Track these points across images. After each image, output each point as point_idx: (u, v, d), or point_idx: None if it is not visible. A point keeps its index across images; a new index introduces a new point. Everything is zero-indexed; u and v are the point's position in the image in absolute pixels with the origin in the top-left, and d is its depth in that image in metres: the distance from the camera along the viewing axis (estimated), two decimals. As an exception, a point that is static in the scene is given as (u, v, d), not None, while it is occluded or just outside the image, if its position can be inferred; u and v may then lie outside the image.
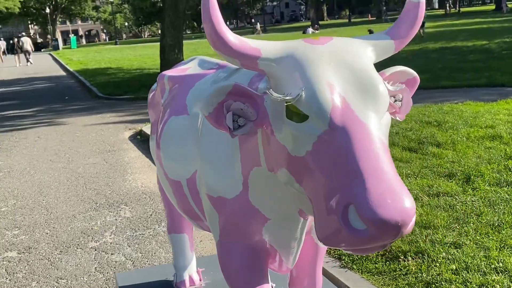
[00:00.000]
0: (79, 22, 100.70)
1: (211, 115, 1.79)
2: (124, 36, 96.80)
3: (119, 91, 17.54)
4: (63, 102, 17.00)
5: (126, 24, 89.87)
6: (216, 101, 1.78)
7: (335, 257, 4.25)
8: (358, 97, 1.67)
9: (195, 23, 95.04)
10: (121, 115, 13.59)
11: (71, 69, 28.38)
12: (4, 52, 43.86)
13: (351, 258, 4.14)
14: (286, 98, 1.67)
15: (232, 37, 1.73)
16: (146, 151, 9.33)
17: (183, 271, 3.68)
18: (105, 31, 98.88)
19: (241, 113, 1.80)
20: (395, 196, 1.51)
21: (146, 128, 10.50)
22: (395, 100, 1.94)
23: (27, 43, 38.39)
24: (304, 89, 1.66)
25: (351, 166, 1.56)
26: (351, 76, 1.70)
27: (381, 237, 1.52)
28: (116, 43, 61.93)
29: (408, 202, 1.52)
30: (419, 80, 2.01)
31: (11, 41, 48.94)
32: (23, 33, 50.07)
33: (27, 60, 37.27)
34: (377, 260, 4.07)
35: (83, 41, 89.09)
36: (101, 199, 6.77)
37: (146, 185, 7.29)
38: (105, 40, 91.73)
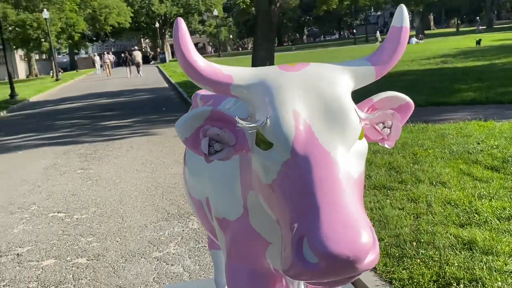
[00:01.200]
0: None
1: (188, 140, 1.79)
2: (229, 48, 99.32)
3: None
4: (160, 113, 17.67)
5: (231, 36, 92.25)
6: (194, 126, 1.78)
7: (386, 281, 4.04)
8: (324, 126, 1.61)
9: (297, 34, 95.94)
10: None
11: (173, 81, 29.52)
12: (112, 66, 46.58)
13: (401, 283, 3.92)
14: (251, 125, 1.63)
15: (203, 65, 1.73)
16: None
17: (222, 287, 3.69)
18: (211, 44, 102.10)
19: (218, 138, 1.78)
20: (348, 230, 1.43)
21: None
22: (384, 127, 1.85)
23: (138, 56, 41.12)
24: (269, 116, 1.62)
25: (309, 197, 1.51)
26: (321, 104, 1.64)
27: (333, 271, 1.44)
28: (219, 56, 63.79)
29: (365, 238, 1.43)
30: (413, 105, 1.90)
31: (122, 55, 51.77)
32: (136, 47, 53.11)
33: (138, 72, 40.41)
34: (428, 286, 3.82)
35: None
36: (174, 210, 6.93)
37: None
38: (211, 52, 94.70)
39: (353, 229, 1.43)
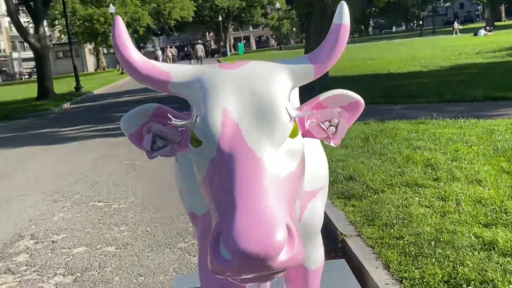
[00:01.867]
0: (251, 28, 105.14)
1: (132, 136, 1.83)
2: (292, 41, 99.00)
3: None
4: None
5: (294, 29, 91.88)
6: (139, 123, 1.82)
7: (397, 279, 3.97)
8: (253, 124, 1.61)
9: (362, 26, 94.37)
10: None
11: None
12: (174, 59, 47.41)
13: (411, 283, 3.84)
14: (181, 122, 1.65)
15: (141, 62, 1.75)
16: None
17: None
18: (274, 36, 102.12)
19: (162, 135, 1.81)
20: (261, 228, 1.42)
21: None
22: (330, 125, 1.82)
23: (200, 49, 41.75)
24: (198, 114, 1.63)
25: (228, 195, 1.52)
26: (252, 102, 1.64)
27: (245, 268, 1.44)
28: (280, 49, 63.75)
29: (277, 236, 1.42)
30: (362, 104, 1.86)
31: (185, 48, 52.73)
32: (198, 41, 53.99)
33: None
34: (438, 286, 3.72)
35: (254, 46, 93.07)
36: (207, 202, 7.03)
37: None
38: (274, 45, 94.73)
39: (266, 227, 1.43)
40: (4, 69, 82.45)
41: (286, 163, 1.63)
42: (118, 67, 52.10)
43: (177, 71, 1.77)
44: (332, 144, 1.84)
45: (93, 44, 59.77)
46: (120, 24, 1.75)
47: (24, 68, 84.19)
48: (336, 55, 1.77)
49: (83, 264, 5.29)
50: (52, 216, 7.01)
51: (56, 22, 56.62)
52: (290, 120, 1.64)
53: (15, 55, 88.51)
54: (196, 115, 1.64)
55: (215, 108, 1.63)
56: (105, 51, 68.39)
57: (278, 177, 1.57)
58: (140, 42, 67.70)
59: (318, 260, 2.47)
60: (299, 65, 1.77)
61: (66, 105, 23.66)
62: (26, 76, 73.59)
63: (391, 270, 4.12)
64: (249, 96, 1.64)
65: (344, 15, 1.78)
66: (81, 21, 52.65)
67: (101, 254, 5.52)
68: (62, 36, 64.45)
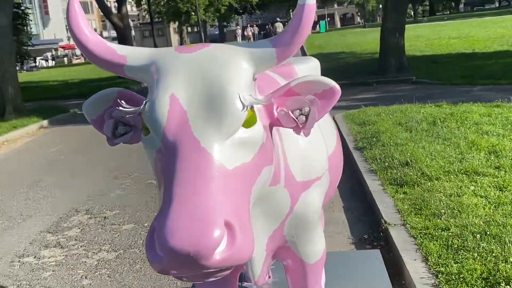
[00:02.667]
0: (335, 6, 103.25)
1: (94, 121, 1.80)
2: (378, 18, 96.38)
3: (336, 77, 17.66)
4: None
5: (380, 6, 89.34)
6: (101, 108, 1.79)
7: (433, 273, 3.78)
8: (202, 112, 1.52)
9: (452, 3, 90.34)
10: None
11: (307, 54, 29.46)
12: (254, 38, 47.41)
13: (446, 278, 3.64)
14: (129, 109, 1.60)
15: (96, 45, 1.70)
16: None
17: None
18: (359, 14, 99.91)
19: (124, 121, 1.77)
20: (194, 225, 1.35)
21: (339, 117, 10.48)
22: (301, 114, 1.70)
23: (279, 27, 41.57)
24: (147, 100, 1.57)
25: (168, 188, 1.46)
26: (204, 89, 1.55)
27: (177, 266, 1.37)
28: (364, 27, 62.23)
29: (211, 234, 1.34)
30: (338, 91, 1.73)
31: (266, 27, 52.60)
32: (278, 19, 53.63)
33: None
34: (475, 283, 3.50)
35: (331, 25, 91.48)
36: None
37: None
38: (359, 23, 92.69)
39: (199, 224, 1.35)
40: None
41: (237, 154, 1.54)
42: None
43: (133, 54, 1.71)
44: (301, 134, 1.73)
45: (176, 23, 60.90)
46: (75, 6, 1.70)
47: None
48: (299, 38, 1.64)
49: (128, 241, 5.43)
50: (110, 192, 7.24)
51: (142, 2, 58.12)
52: (244, 108, 1.54)
53: (105, 33, 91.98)
54: (145, 101, 1.58)
55: (163, 94, 1.55)
56: (189, 30, 69.52)
57: (224, 170, 1.48)
58: (222, 20, 68.35)
59: (317, 253, 2.36)
60: (261, 49, 1.66)
61: (143, 85, 24.30)
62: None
63: (429, 263, 3.93)
64: (202, 82, 1.56)
65: None
66: (165, 1, 53.74)
67: (146, 232, 5.62)
68: (147, 16, 66.15)
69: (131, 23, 40.25)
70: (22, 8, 33.91)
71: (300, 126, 1.71)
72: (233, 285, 2.35)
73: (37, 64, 59.95)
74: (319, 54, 27.47)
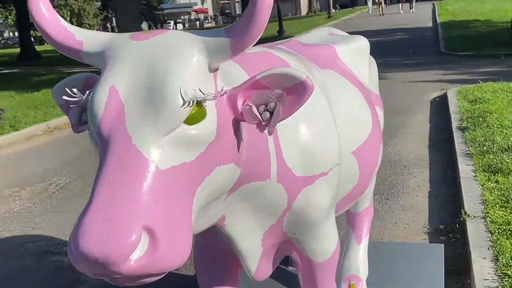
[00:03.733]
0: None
1: (63, 107, 1.77)
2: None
3: (462, 47, 16.62)
4: (404, 55, 17.02)
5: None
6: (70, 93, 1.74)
7: (499, 275, 3.45)
8: (139, 107, 1.43)
9: None
10: (447, 73, 12.93)
11: (438, 20, 27.92)
12: (386, 2, 45.71)
13: (511, 282, 3.31)
14: (72, 99, 1.55)
15: (54, 30, 1.63)
16: (435, 114, 8.87)
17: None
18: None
19: None
20: (104, 229, 1.27)
21: (453, 92, 9.86)
22: (265, 110, 1.55)
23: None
24: (90, 91, 1.51)
25: (94, 187, 1.37)
26: (147, 80, 1.45)
27: (88, 268, 1.31)
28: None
29: (123, 241, 1.26)
30: (309, 86, 1.54)
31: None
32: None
33: (410, 8, 41.12)
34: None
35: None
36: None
37: (398, 152, 7.03)
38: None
39: (112, 229, 1.27)
40: (227, 11, 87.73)
41: (176, 153, 1.42)
42: (328, 11, 52.00)
43: (91, 40, 1.62)
44: (265, 133, 1.57)
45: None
46: None
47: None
48: (255, 27, 1.46)
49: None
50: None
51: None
52: (185, 104, 1.42)
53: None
54: (88, 92, 1.52)
55: (103, 85, 1.47)
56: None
57: (156, 170, 1.37)
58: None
59: (325, 253, 2.22)
60: (215, 38, 1.52)
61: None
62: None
63: (498, 264, 3.59)
64: (146, 73, 1.46)
65: None
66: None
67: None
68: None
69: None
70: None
71: (264, 124, 1.56)
72: (234, 274, 2.27)
73: (171, 27, 62.45)
74: (451, 21, 25.97)
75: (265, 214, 1.98)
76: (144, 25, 64.23)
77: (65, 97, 1.59)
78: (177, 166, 1.42)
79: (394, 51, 18.07)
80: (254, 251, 2.06)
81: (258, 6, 1.44)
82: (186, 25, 70.45)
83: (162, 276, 1.39)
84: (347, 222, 3.24)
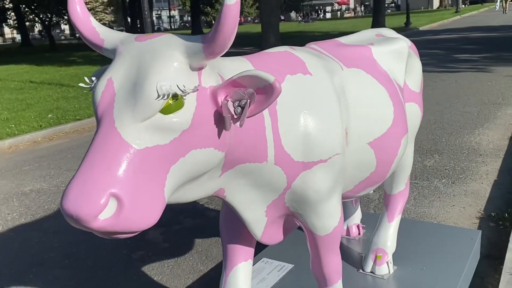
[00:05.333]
0: None
1: None
2: None
3: None
4: (516, 51, 15.32)
5: None
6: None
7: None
8: (125, 97, 1.48)
9: None
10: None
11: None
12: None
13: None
14: (84, 86, 1.62)
15: (85, 29, 1.69)
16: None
17: (344, 221, 3.50)
18: None
19: None
20: (80, 192, 1.37)
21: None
22: (239, 106, 1.53)
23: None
24: (96, 82, 1.58)
25: (83, 158, 1.47)
26: (135, 75, 1.50)
27: (71, 223, 1.40)
28: None
29: (90, 203, 1.34)
30: (276, 88, 1.50)
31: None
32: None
33: None
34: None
35: None
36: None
37: (478, 141, 6.43)
38: None
39: (84, 193, 1.36)
40: (366, 3, 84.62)
41: (151, 137, 1.46)
42: (456, 6, 48.07)
43: (109, 39, 1.67)
44: (237, 124, 1.56)
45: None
46: None
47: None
48: (221, 36, 1.43)
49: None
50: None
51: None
52: (159, 97, 1.44)
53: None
54: (95, 83, 1.58)
55: (104, 77, 1.53)
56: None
57: (130, 149, 1.43)
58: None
59: (326, 228, 2.13)
60: (192, 43, 1.50)
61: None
62: (388, 11, 73.28)
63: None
64: (136, 69, 1.50)
65: None
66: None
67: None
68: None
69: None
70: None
71: (235, 117, 1.55)
72: (249, 235, 2.27)
73: (319, 16, 61.85)
74: None
75: (266, 190, 1.96)
76: (293, 13, 64.37)
77: (81, 84, 1.68)
78: (151, 148, 1.46)
79: (508, 47, 16.35)
80: (259, 220, 2.05)
81: (221, 20, 1.42)
82: (328, 15, 69.23)
83: (132, 235, 1.45)
84: (383, 202, 3.09)
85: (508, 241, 3.58)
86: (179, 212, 4.82)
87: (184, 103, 1.50)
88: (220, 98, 1.57)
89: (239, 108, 1.54)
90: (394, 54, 2.63)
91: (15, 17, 37.12)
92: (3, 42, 56.25)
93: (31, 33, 49.48)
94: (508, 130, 6.90)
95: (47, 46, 32.62)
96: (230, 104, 1.54)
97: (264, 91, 1.52)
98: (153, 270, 3.76)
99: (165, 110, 1.46)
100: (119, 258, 3.99)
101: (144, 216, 1.42)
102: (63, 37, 61.43)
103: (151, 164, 1.46)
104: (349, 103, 2.17)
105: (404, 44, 2.70)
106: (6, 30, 56.16)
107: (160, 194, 1.49)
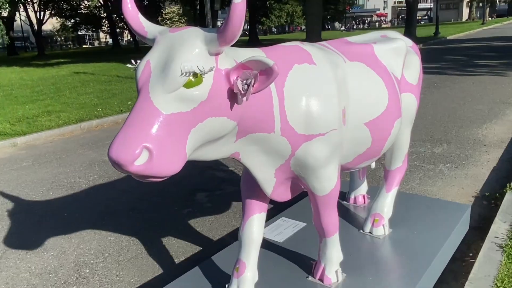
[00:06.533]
0: None
1: None
2: None
3: None
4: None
5: None
6: None
7: (500, 246, 3.01)
8: (158, 74, 1.59)
9: None
10: None
11: None
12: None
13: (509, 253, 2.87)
14: (131, 66, 1.74)
15: (133, 21, 1.79)
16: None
17: (351, 191, 3.53)
18: None
19: None
20: (121, 143, 1.50)
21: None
22: (245, 84, 1.62)
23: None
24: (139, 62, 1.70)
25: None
26: (166, 57, 1.61)
27: (116, 167, 1.53)
28: None
29: (126, 152, 1.48)
30: (274, 71, 1.58)
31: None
32: None
33: None
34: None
35: None
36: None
37: (485, 134, 6.18)
38: None
39: (124, 143, 1.48)
40: (402, 16, 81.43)
41: (176, 105, 1.56)
42: (482, 18, 45.43)
43: (151, 31, 1.77)
44: (244, 99, 1.65)
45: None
46: None
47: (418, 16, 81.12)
48: (229, 29, 1.52)
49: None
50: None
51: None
52: (182, 74, 1.54)
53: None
54: (137, 62, 1.69)
55: (144, 59, 1.65)
56: (480, 4, 60.10)
57: (159, 113, 1.54)
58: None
59: (324, 190, 2.18)
60: (211, 33, 1.60)
61: (420, 46, 22.38)
62: (422, 22, 70.40)
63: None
64: (167, 54, 1.60)
65: None
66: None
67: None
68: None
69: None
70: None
71: (242, 93, 1.64)
72: (262, 196, 2.35)
73: (359, 25, 60.18)
74: None
75: (274, 156, 2.03)
76: (337, 24, 62.98)
77: (128, 65, 1.81)
78: (176, 113, 1.56)
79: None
80: (269, 180, 2.12)
81: (230, 15, 1.51)
82: (367, 25, 67.31)
83: (160, 180, 1.57)
84: (383, 175, 3.10)
85: (494, 217, 3.51)
86: (222, 180, 4.99)
87: (203, 80, 1.60)
88: (232, 78, 1.66)
89: (246, 85, 1.63)
90: (393, 51, 2.63)
91: (108, 25, 38.56)
92: (99, 45, 58.59)
93: (120, 38, 51.31)
94: (514, 125, 6.59)
95: (133, 48, 33.73)
96: (239, 83, 1.63)
97: (265, 73, 1.60)
98: (197, 224, 3.95)
99: (187, 85, 1.57)
100: (171, 213, 4.20)
101: (168, 165, 1.55)
102: (146, 41, 62.60)
103: (175, 126, 1.57)
104: (349, 89, 2.20)
105: (402, 43, 2.69)
106: (101, 35, 58.40)
107: (182, 150, 1.60)
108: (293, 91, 1.94)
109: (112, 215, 4.25)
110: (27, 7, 32.45)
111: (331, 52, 2.28)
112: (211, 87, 1.62)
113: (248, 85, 1.62)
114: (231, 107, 1.70)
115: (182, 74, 1.55)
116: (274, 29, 61.25)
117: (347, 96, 2.18)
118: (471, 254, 3.11)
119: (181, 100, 1.58)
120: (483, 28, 35.79)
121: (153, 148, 1.50)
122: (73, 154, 6.51)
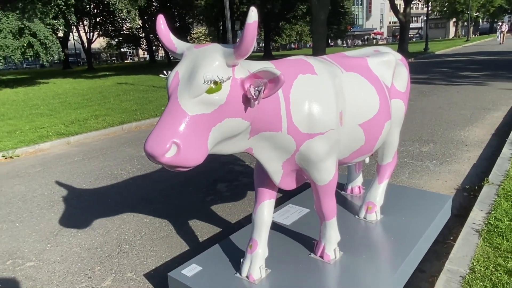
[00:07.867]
0: None
1: None
2: None
3: None
4: (510, 71, 14.03)
5: None
6: None
7: (485, 223, 2.96)
8: (185, 82, 1.64)
9: None
10: (540, 85, 10.40)
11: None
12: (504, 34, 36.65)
13: (486, 234, 2.82)
14: (163, 76, 1.78)
15: (165, 38, 1.84)
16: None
17: (349, 183, 3.52)
18: None
19: None
20: (154, 138, 1.55)
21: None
22: (256, 90, 1.66)
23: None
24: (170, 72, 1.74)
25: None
26: (192, 69, 1.66)
27: (150, 159, 1.58)
28: None
29: (159, 146, 1.53)
30: (280, 80, 1.61)
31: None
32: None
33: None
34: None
35: None
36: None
37: (467, 136, 6.06)
38: None
39: (155, 138, 1.53)
40: (396, 34, 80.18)
41: (199, 107, 1.60)
42: (467, 36, 44.44)
43: (180, 47, 1.81)
44: (256, 103, 1.68)
45: (454, 19, 52.14)
46: (160, 20, 1.84)
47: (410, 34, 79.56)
48: (243, 45, 1.55)
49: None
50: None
51: (430, 5, 51.12)
52: (205, 83, 1.58)
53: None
54: (169, 73, 1.72)
55: (174, 70, 1.69)
56: (465, 24, 58.84)
57: (185, 114, 1.58)
58: (493, 17, 55.45)
59: (323, 180, 2.19)
60: (229, 49, 1.63)
61: (411, 60, 22.05)
62: (413, 39, 69.16)
63: (489, 216, 3.07)
64: (193, 65, 1.64)
65: (249, 17, 1.52)
66: (447, 3, 46.20)
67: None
68: (436, 13, 57.97)
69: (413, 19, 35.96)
70: (345, 6, 33.83)
71: (254, 98, 1.66)
72: (271, 185, 2.37)
73: (355, 43, 59.57)
74: None
75: (281, 151, 2.05)
76: (339, 41, 62.42)
77: (161, 75, 1.86)
78: (199, 115, 1.60)
79: (504, 67, 15.01)
80: (277, 171, 2.14)
81: (244, 34, 1.54)
82: (365, 42, 66.53)
83: (187, 169, 1.61)
84: (376, 169, 3.08)
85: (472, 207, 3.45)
86: (239, 173, 5.02)
87: (222, 87, 1.64)
88: (246, 85, 1.70)
89: (257, 92, 1.66)
90: (384, 63, 2.62)
91: (146, 43, 39.03)
92: (138, 60, 59.32)
93: (156, 54, 51.78)
94: (493, 128, 6.45)
95: (166, 63, 34.03)
96: (252, 89, 1.66)
97: (274, 81, 1.63)
98: (218, 209, 3.98)
99: (209, 91, 1.61)
100: (196, 200, 4.25)
101: (193, 157, 1.59)
102: (178, 57, 62.97)
103: (199, 125, 1.62)
104: (345, 95, 2.21)
105: (392, 57, 2.68)
106: (140, 52, 59.13)
107: (204, 145, 1.65)
108: (297, 97, 1.96)
109: (148, 201, 4.32)
110: (79, 29, 33.23)
111: (330, 64, 2.29)
112: (229, 93, 1.66)
113: (259, 91, 1.64)
114: (245, 109, 1.73)
115: (204, 82, 1.59)
116: (288, 45, 61.01)
117: (343, 101, 2.19)
118: (451, 238, 3.07)
119: (204, 103, 1.61)
120: (471, 43, 34.92)
121: (180, 143, 1.55)
122: (116, 151, 6.63)
